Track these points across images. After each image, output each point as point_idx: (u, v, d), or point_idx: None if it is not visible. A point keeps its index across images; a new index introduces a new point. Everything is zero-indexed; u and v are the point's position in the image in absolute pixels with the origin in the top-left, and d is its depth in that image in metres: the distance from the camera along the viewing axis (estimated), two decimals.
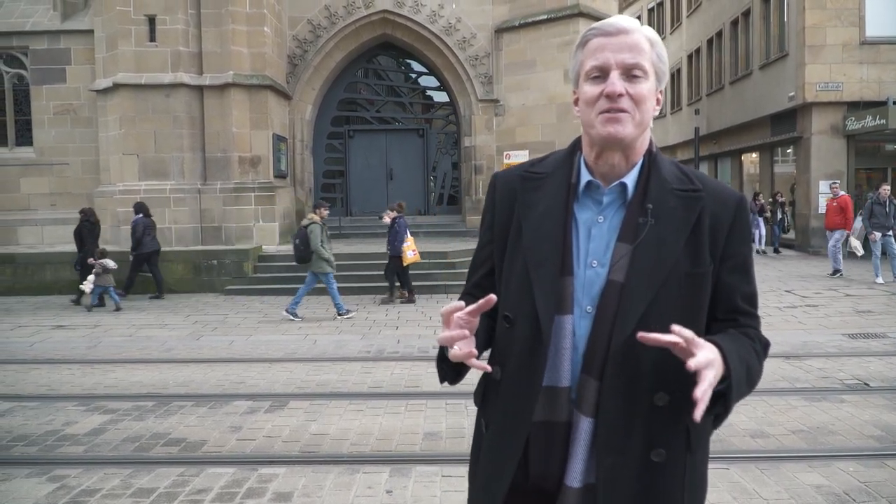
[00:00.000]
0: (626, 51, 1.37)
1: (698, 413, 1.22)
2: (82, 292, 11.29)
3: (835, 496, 3.83)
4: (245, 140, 14.30)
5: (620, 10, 20.21)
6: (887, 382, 6.16)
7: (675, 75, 28.96)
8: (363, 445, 4.79)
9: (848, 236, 13.28)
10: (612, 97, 1.36)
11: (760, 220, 18.26)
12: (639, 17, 33.07)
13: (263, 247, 13.91)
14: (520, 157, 15.60)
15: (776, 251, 18.06)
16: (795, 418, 5.21)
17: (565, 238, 1.41)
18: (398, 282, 11.43)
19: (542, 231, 1.43)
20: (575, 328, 1.39)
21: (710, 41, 24.73)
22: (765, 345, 1.47)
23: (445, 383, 1.55)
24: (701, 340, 1.26)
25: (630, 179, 1.43)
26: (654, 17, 31.76)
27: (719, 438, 4.79)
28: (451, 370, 1.48)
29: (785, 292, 11.48)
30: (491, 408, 1.51)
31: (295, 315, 9.90)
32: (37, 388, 6.43)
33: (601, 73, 1.38)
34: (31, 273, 13.02)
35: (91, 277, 11.11)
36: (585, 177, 1.45)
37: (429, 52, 17.02)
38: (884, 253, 12.63)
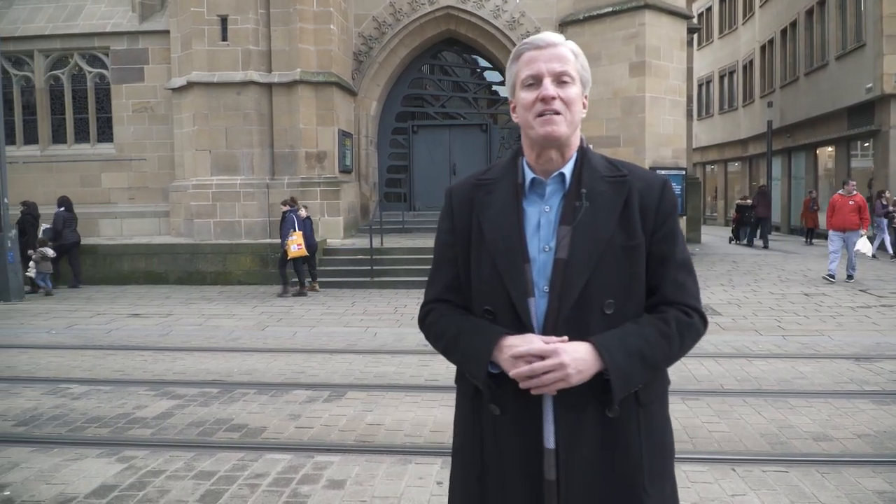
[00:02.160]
0: (555, 61, 1.60)
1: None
2: (37, 283, 12.31)
3: None
4: (312, 136, 14.63)
5: (688, 3, 19.63)
6: None
7: (748, 67, 28.00)
8: (417, 437, 4.87)
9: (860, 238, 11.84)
10: (546, 100, 1.58)
11: (885, 221, 15.57)
12: (709, 9, 32.10)
13: (328, 240, 14.20)
14: None
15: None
16: (862, 422, 5.03)
17: (520, 230, 1.60)
18: (308, 275, 11.99)
19: (500, 228, 1.62)
20: (537, 307, 1.58)
21: (783, 31, 23.83)
22: (685, 324, 1.59)
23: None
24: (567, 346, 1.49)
25: (567, 171, 1.64)
26: (725, 8, 30.66)
27: (780, 441, 4.67)
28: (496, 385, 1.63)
29: (860, 291, 11.02)
30: (501, 395, 1.61)
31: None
32: (111, 373, 6.78)
33: (535, 81, 1.61)
34: (109, 263, 13.70)
35: (31, 264, 12.15)
36: (529, 175, 1.66)
37: (492, 47, 16.99)
38: None
